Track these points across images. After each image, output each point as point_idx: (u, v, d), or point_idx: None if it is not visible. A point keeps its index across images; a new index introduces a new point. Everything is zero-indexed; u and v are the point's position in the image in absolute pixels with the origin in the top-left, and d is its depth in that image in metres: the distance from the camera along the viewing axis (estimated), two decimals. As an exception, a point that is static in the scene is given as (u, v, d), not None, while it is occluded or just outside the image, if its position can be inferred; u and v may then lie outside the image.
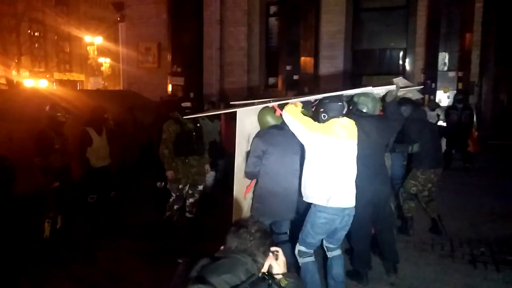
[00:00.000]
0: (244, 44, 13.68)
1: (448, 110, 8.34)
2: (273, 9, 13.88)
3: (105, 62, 30.31)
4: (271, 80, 13.73)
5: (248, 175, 3.84)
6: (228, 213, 6.24)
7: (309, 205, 3.54)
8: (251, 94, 12.57)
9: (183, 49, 12.97)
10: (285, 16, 13.23)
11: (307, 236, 3.50)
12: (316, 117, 3.50)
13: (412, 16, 11.94)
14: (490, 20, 11.26)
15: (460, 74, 10.39)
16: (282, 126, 3.70)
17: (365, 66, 12.98)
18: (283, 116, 3.55)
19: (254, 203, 3.84)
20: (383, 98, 4.10)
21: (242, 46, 13.70)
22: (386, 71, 12.61)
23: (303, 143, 3.46)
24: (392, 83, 4.00)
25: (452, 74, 10.34)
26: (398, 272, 4.19)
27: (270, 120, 3.84)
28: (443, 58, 10.50)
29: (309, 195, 3.45)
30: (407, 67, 12.28)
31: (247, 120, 3.97)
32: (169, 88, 13.11)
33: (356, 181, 3.48)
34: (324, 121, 3.41)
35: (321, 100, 3.52)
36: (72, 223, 5.54)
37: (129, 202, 6.66)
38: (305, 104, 3.70)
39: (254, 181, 3.89)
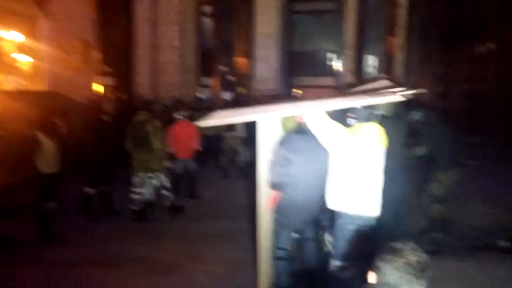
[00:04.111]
0: (177, 44, 13.38)
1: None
2: (206, 8, 13.72)
3: (24, 60, 28.20)
4: (206, 81, 13.57)
5: (273, 186, 3.57)
6: (166, 220, 6.07)
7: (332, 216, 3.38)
8: (185, 94, 12.35)
9: (112, 48, 12.39)
10: (218, 16, 13.15)
11: (341, 249, 3.33)
12: (341, 123, 3.32)
13: (342, 20, 12.40)
14: (413, 24, 11.99)
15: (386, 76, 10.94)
16: (305, 130, 3.49)
17: (299, 68, 13.27)
18: (309, 124, 3.32)
19: (275, 214, 3.62)
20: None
21: (175, 46, 13.38)
22: (319, 72, 13.00)
23: (332, 149, 3.26)
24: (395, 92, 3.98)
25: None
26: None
27: (292, 124, 3.64)
28: (370, 60, 11.01)
29: (336, 203, 3.29)
30: (339, 68, 12.72)
31: (269, 127, 3.68)
32: (98, 88, 12.46)
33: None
34: (351, 127, 3.27)
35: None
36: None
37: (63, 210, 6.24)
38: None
39: (277, 192, 3.65)
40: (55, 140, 5.20)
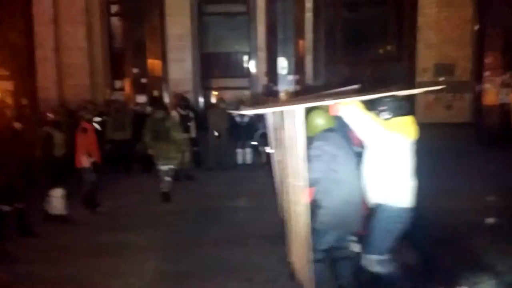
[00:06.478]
0: (84, 45, 12.69)
1: None
2: (114, 8, 13.20)
3: None
4: (118, 83, 13.06)
5: (313, 181, 3.42)
6: (75, 234, 5.74)
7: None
8: (96, 97, 11.82)
9: (11, 50, 11.45)
10: (127, 16, 12.75)
11: (383, 243, 3.36)
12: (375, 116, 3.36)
13: (253, 22, 12.67)
14: (319, 27, 12.59)
15: (297, 77, 11.42)
16: (334, 129, 3.52)
17: (213, 69, 13.31)
18: (346, 116, 3.26)
19: (323, 216, 3.45)
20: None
21: (82, 47, 12.67)
22: (233, 74, 13.18)
23: (370, 142, 3.31)
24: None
25: (290, 77, 11.31)
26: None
27: (322, 123, 3.58)
28: (282, 62, 11.41)
29: (379, 197, 3.35)
30: (252, 70, 12.98)
31: (292, 121, 3.41)
32: (-5, 94, 11.40)
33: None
34: (386, 120, 3.34)
35: (381, 98, 3.39)
36: None
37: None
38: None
39: (314, 188, 3.48)
40: None
